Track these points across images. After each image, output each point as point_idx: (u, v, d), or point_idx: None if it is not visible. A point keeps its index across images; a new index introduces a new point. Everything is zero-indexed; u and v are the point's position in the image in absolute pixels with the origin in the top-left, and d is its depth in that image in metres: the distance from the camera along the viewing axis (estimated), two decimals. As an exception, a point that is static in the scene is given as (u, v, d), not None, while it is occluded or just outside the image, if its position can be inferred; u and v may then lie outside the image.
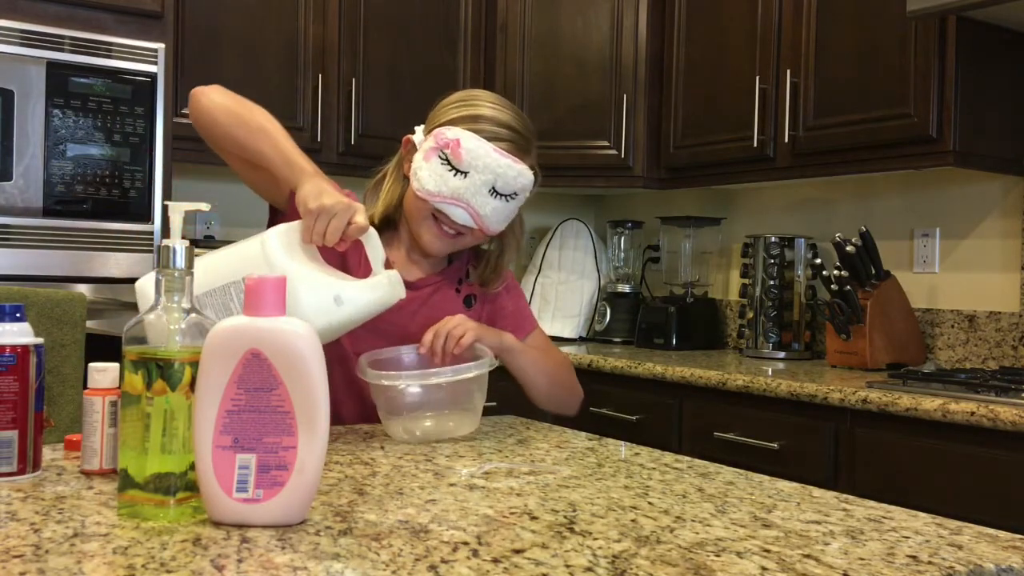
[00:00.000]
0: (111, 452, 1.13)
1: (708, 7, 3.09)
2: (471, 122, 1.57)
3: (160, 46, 2.54)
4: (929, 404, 2.00)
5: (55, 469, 1.17)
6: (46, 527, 0.91)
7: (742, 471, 1.28)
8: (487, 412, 1.63)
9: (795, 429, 2.31)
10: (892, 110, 2.51)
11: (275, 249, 1.32)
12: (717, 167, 3.08)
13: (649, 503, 1.08)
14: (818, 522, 1.02)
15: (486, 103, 1.60)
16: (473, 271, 1.73)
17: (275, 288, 0.96)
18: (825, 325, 2.79)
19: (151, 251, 2.52)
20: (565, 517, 1.01)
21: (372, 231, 1.41)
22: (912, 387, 2.17)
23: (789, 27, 2.80)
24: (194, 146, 2.82)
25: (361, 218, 1.36)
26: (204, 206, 1.11)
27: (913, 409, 2.03)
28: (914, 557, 0.90)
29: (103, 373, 1.14)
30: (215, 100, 1.52)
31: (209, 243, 2.91)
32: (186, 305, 0.99)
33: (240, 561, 0.83)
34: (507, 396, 1.74)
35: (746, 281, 3.08)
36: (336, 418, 1.36)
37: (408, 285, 1.62)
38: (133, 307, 1.39)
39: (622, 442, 1.49)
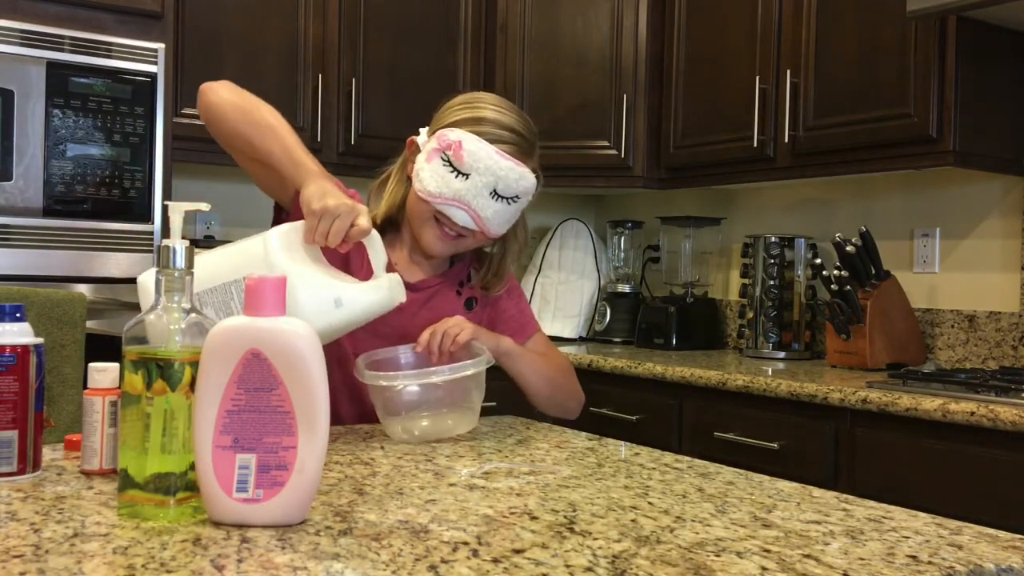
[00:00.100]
0: (111, 452, 1.13)
1: (708, 7, 3.09)
2: (474, 124, 1.57)
3: (160, 46, 2.55)
4: (929, 404, 2.00)
5: (55, 469, 1.17)
6: (46, 527, 0.91)
7: (742, 471, 1.28)
8: (487, 412, 1.63)
9: (795, 429, 2.31)
10: (892, 110, 2.51)
11: (276, 249, 1.32)
12: (717, 167, 3.08)
13: (649, 503, 1.08)
14: (818, 522, 1.02)
15: (489, 106, 1.60)
16: (475, 274, 1.73)
17: (275, 288, 0.96)
18: (825, 325, 2.79)
19: (151, 251, 2.52)
20: (565, 517, 1.01)
21: (375, 234, 1.41)
22: (912, 387, 2.17)
23: (789, 27, 2.80)
24: (194, 146, 2.83)
25: (364, 221, 1.36)
26: (204, 206, 1.11)
27: (913, 409, 2.03)
28: (914, 557, 0.90)
29: (103, 373, 1.14)
30: (223, 96, 1.53)
31: (209, 243, 2.91)
32: (186, 305, 0.99)
33: (240, 561, 0.83)
34: (507, 396, 1.74)
35: (746, 281, 3.08)
36: (335, 419, 1.36)
37: (409, 286, 1.62)
38: (133, 307, 1.40)
39: (622, 442, 1.49)
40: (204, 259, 1.32)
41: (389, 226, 1.69)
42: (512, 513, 1.02)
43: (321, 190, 1.37)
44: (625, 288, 3.59)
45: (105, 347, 1.70)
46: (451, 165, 1.54)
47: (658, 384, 2.66)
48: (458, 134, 1.55)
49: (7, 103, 2.35)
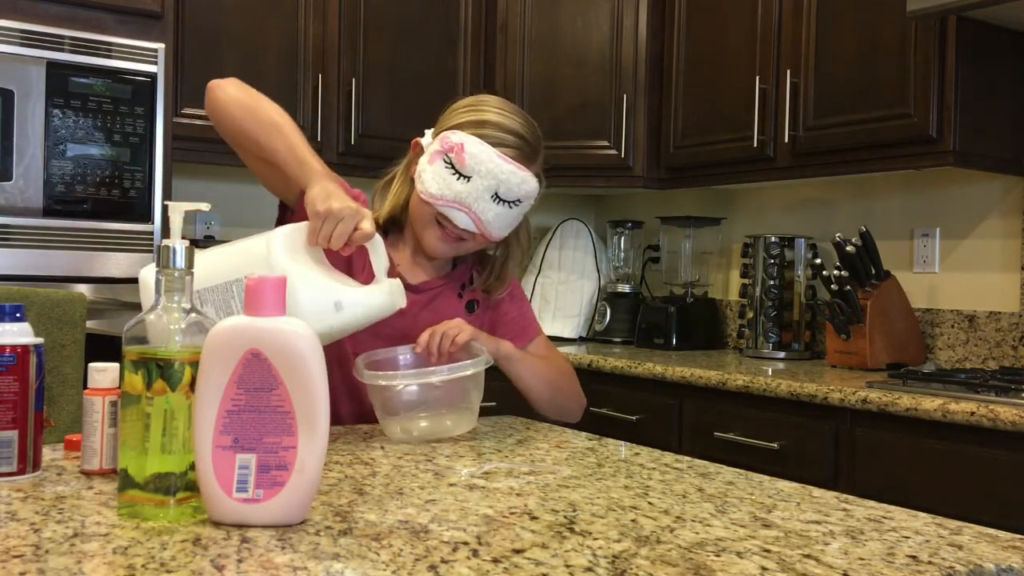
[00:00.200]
0: (111, 452, 1.13)
1: (708, 7, 3.09)
2: (477, 127, 1.57)
3: (160, 46, 2.55)
4: (929, 404, 2.00)
5: (55, 469, 1.17)
6: (46, 527, 0.91)
7: (742, 471, 1.28)
8: (487, 412, 1.63)
9: (795, 429, 2.31)
10: (892, 110, 2.51)
11: (279, 250, 1.32)
12: (717, 167, 3.08)
13: (649, 503, 1.08)
14: (818, 522, 1.02)
15: (493, 109, 1.60)
16: (477, 276, 1.73)
17: (275, 288, 0.96)
18: (825, 325, 2.79)
19: (151, 251, 2.52)
20: (565, 517, 1.01)
21: (377, 238, 1.41)
22: (912, 387, 2.17)
23: (789, 27, 2.80)
24: (194, 146, 2.84)
25: (367, 224, 1.36)
26: (204, 206, 1.11)
27: (913, 409, 2.03)
28: (914, 557, 0.90)
29: (103, 373, 1.14)
30: (230, 93, 1.53)
31: (209, 243, 2.91)
32: (186, 305, 0.99)
33: (240, 561, 0.83)
34: (507, 396, 1.74)
35: (746, 281, 3.08)
36: (335, 419, 1.36)
37: (411, 288, 1.63)
38: (133, 307, 1.40)
39: (622, 442, 1.50)
40: (206, 257, 1.32)
41: (392, 227, 1.69)
42: (512, 513, 1.02)
43: (325, 192, 1.37)
44: (625, 288, 3.59)
45: (105, 347, 1.70)
46: (453, 167, 1.55)
47: (658, 384, 2.66)
48: (461, 136, 1.55)
49: (7, 103, 2.35)
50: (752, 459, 2.30)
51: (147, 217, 2.53)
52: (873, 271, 2.68)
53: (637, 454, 1.39)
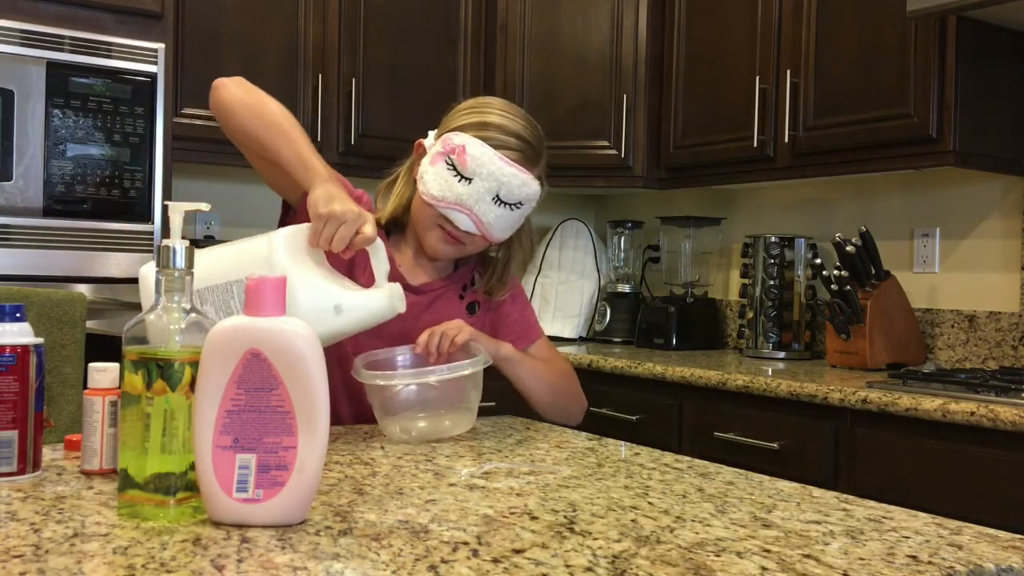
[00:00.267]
0: (111, 452, 1.13)
1: (708, 7, 3.09)
2: (479, 129, 1.57)
3: (160, 46, 2.55)
4: (929, 404, 2.00)
5: (55, 469, 1.17)
6: (46, 527, 0.91)
7: (742, 471, 1.28)
8: (487, 412, 1.63)
9: (795, 429, 2.31)
10: (892, 110, 2.51)
11: (280, 251, 1.32)
12: (717, 167, 3.08)
13: (649, 503, 1.08)
14: (818, 522, 1.02)
15: (496, 111, 1.61)
16: (479, 278, 1.73)
17: (275, 288, 0.96)
18: (825, 325, 2.79)
19: (151, 251, 2.52)
20: (565, 517, 1.01)
21: (379, 242, 1.41)
22: (912, 387, 2.17)
23: (789, 27, 2.80)
24: (194, 146, 2.84)
25: (369, 229, 1.36)
26: (204, 206, 1.11)
27: (913, 409, 2.03)
28: (914, 557, 0.90)
29: (103, 373, 1.14)
30: (235, 93, 1.53)
31: (209, 243, 2.91)
32: (186, 305, 0.99)
33: (240, 561, 0.83)
34: (507, 396, 1.74)
35: (746, 281, 3.08)
36: (335, 418, 1.36)
37: (413, 289, 1.63)
38: (133, 307, 1.40)
39: (622, 442, 1.50)
40: (206, 256, 1.32)
41: (395, 227, 1.69)
42: (512, 513, 1.02)
43: (328, 194, 1.37)
44: (625, 288, 3.59)
45: (105, 347, 1.70)
46: (455, 169, 1.55)
47: (658, 384, 2.66)
48: (463, 138, 1.55)
49: (7, 103, 2.35)
50: (752, 459, 2.30)
51: (147, 217, 2.53)
52: (873, 271, 2.68)
53: (637, 454, 1.39)
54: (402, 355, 1.54)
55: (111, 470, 1.13)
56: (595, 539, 0.93)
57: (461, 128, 1.58)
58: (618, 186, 3.45)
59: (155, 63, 2.53)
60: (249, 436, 0.93)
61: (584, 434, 1.56)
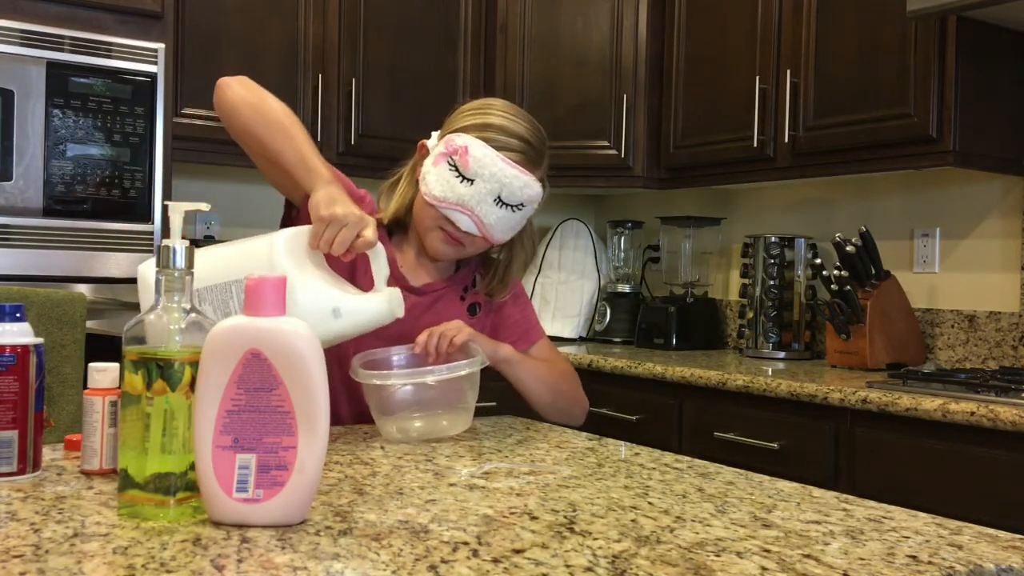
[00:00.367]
0: (111, 452, 1.13)
1: (708, 7, 3.09)
2: (481, 130, 1.57)
3: (160, 46, 2.55)
4: (929, 404, 2.00)
5: (55, 469, 1.17)
6: (46, 527, 0.91)
7: (742, 471, 1.28)
8: (487, 412, 1.63)
9: (795, 429, 2.31)
10: (892, 110, 2.51)
11: (281, 252, 1.32)
12: (717, 167, 3.08)
13: (649, 503, 1.08)
14: (818, 522, 1.02)
15: (499, 113, 1.61)
16: (480, 279, 1.73)
17: (275, 288, 0.96)
18: (825, 325, 2.79)
19: (151, 251, 2.52)
20: (565, 517, 1.01)
21: (380, 246, 1.41)
22: (912, 387, 2.17)
23: (789, 27, 2.80)
24: (194, 146, 2.84)
25: (370, 233, 1.37)
26: (204, 206, 1.11)
27: (913, 409, 2.03)
28: (914, 557, 0.90)
29: (103, 373, 1.14)
30: (239, 93, 1.53)
31: (209, 243, 2.91)
32: (186, 305, 0.99)
33: (240, 561, 0.83)
34: (507, 396, 1.74)
35: (746, 281, 3.08)
36: (335, 418, 1.36)
37: (414, 290, 1.63)
38: (133, 307, 1.40)
39: (622, 442, 1.50)
40: (206, 255, 1.32)
41: (397, 228, 1.70)
42: (512, 513, 1.02)
43: (330, 197, 1.37)
44: (625, 288, 3.59)
45: (105, 347, 1.70)
46: (457, 170, 1.55)
47: (658, 384, 2.66)
48: (465, 139, 1.56)
49: (7, 103, 2.35)
50: (752, 459, 2.30)
51: (147, 217, 2.53)
52: (873, 271, 2.68)
53: (637, 454, 1.39)
54: (398, 355, 1.53)
55: (111, 470, 1.13)
56: (595, 539, 0.93)
57: (464, 129, 1.59)
58: (618, 186, 3.45)
59: (155, 63, 2.53)
60: (249, 436, 0.93)
61: (584, 434, 1.56)
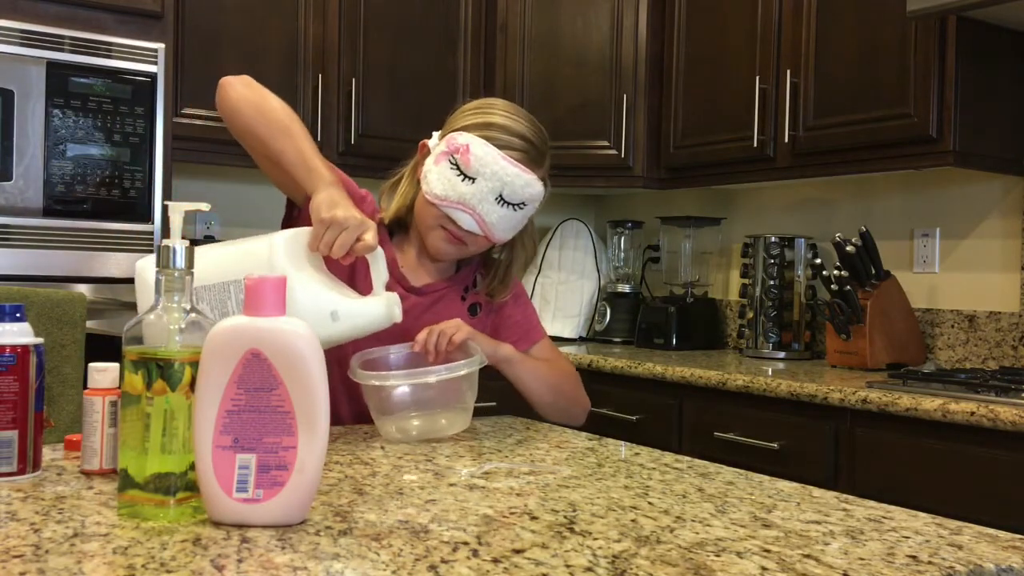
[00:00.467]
0: (111, 452, 1.13)
1: (708, 7, 3.09)
2: (483, 129, 1.57)
3: (160, 46, 2.55)
4: (929, 404, 2.00)
5: (55, 469, 1.17)
6: (46, 527, 0.91)
7: (742, 471, 1.28)
8: (488, 412, 1.63)
9: (795, 429, 2.31)
10: (892, 110, 2.51)
11: (280, 254, 1.32)
12: (717, 167, 3.08)
13: (649, 503, 1.08)
14: (818, 522, 1.02)
15: (500, 112, 1.61)
16: (481, 280, 1.73)
17: (275, 288, 0.96)
18: (825, 325, 2.79)
19: (151, 251, 2.52)
20: (565, 517, 1.01)
21: (379, 251, 1.41)
22: (912, 387, 2.17)
23: (789, 27, 2.80)
24: (194, 146, 2.84)
25: (370, 237, 1.37)
26: (204, 206, 1.11)
27: (913, 409, 2.03)
28: (914, 557, 0.90)
29: (103, 373, 1.14)
30: (241, 93, 1.53)
31: (209, 243, 2.91)
32: (186, 305, 0.99)
33: (240, 561, 0.83)
34: (507, 396, 1.74)
35: (746, 281, 3.08)
36: (335, 418, 1.36)
37: (415, 290, 1.63)
38: (133, 307, 1.40)
39: (622, 442, 1.50)
40: (206, 254, 1.32)
41: (398, 228, 1.70)
42: (512, 513, 1.02)
43: (331, 199, 1.37)
44: (625, 288, 3.59)
45: (105, 347, 1.70)
46: (458, 169, 1.55)
47: (658, 384, 2.66)
48: (467, 138, 1.56)
49: (7, 103, 2.35)
50: (752, 459, 2.30)
51: (147, 217, 2.53)
52: (873, 271, 2.68)
53: (637, 454, 1.39)
54: (395, 353, 1.53)
55: (111, 470, 1.13)
56: (595, 539, 0.93)
57: (465, 128, 1.59)
58: (618, 186, 3.45)
59: (155, 63, 2.53)
60: (249, 436, 0.93)
61: (584, 434, 1.56)
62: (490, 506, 1.04)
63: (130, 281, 1.40)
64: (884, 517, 1.06)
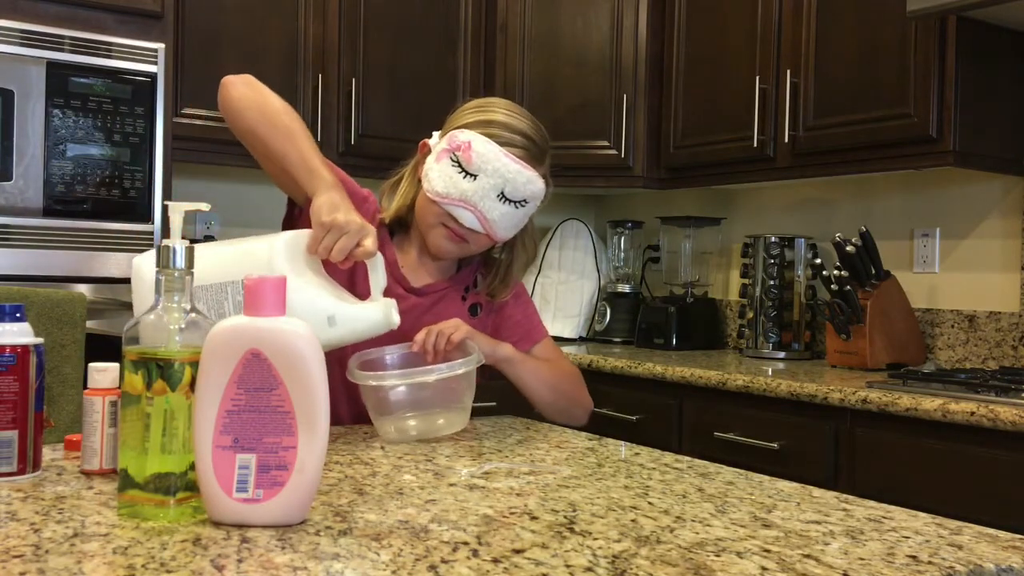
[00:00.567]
0: (111, 452, 1.13)
1: (708, 7, 3.09)
2: (484, 126, 1.58)
3: (160, 46, 2.55)
4: (929, 404, 2.00)
5: (55, 469, 1.17)
6: (46, 527, 0.91)
7: (742, 471, 1.28)
8: (487, 412, 1.63)
9: (795, 429, 2.31)
10: (892, 110, 2.51)
11: (280, 257, 1.32)
12: (717, 167, 3.08)
13: (649, 503, 1.08)
14: (818, 522, 1.02)
15: (501, 110, 1.61)
16: (482, 280, 1.73)
17: (275, 288, 0.96)
18: (825, 325, 2.79)
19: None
20: (565, 517, 1.01)
21: (379, 256, 1.41)
22: (912, 387, 2.17)
23: (789, 27, 2.80)
24: (194, 146, 2.84)
25: (370, 243, 1.37)
26: (204, 206, 1.11)
27: (913, 409, 2.03)
28: (914, 557, 0.90)
29: (103, 373, 1.14)
30: (243, 92, 1.53)
31: (207, 243, 2.91)
32: (186, 305, 0.99)
33: (240, 561, 0.83)
34: (507, 396, 1.74)
35: (746, 281, 3.08)
36: (335, 419, 1.36)
37: (415, 291, 1.63)
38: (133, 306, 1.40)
39: (622, 442, 1.49)
40: (206, 253, 1.32)
41: (399, 227, 1.69)
42: (512, 513, 1.02)
43: (332, 203, 1.37)
44: (625, 288, 3.59)
45: (105, 347, 1.70)
46: (460, 165, 1.55)
47: (658, 384, 2.66)
48: (468, 135, 1.56)
49: (7, 103, 2.35)
50: (752, 459, 2.30)
51: (147, 217, 2.53)
52: (873, 271, 2.68)
53: (637, 454, 1.39)
54: (391, 354, 1.53)
55: (111, 470, 1.13)
56: (595, 539, 0.93)
57: (467, 126, 1.59)
58: (618, 186, 3.45)
59: (155, 63, 2.53)
60: (249, 436, 0.93)
61: (584, 434, 1.56)
62: (490, 506, 1.04)
63: (130, 281, 1.40)
64: (884, 517, 1.06)
